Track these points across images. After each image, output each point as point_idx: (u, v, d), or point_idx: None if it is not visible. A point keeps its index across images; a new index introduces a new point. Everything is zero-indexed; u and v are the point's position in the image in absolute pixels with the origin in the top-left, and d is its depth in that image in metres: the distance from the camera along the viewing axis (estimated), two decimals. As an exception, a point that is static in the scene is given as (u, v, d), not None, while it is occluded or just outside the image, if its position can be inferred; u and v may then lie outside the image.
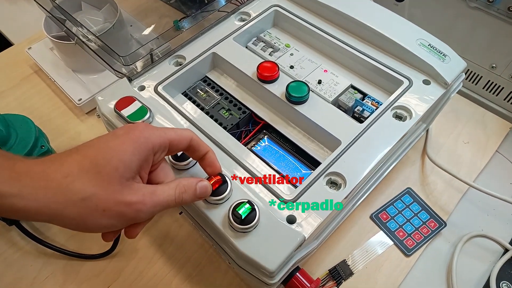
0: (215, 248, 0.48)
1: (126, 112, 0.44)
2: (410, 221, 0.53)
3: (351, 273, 0.49)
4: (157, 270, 0.50)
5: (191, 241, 0.53)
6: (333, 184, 0.42)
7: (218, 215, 0.38)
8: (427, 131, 0.60)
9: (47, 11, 0.63)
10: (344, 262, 0.50)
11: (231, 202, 0.38)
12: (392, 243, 0.51)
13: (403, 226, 0.53)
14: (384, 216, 0.54)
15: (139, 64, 0.54)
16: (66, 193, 0.27)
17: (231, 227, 0.37)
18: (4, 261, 0.51)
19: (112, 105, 0.46)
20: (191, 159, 0.40)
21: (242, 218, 0.35)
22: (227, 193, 0.38)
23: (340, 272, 0.49)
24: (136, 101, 0.45)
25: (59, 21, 0.62)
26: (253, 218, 0.36)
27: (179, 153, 0.39)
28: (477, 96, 0.66)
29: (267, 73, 0.50)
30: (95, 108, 0.65)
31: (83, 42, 0.57)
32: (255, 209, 0.36)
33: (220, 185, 0.37)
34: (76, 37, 0.60)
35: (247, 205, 0.36)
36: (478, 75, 0.64)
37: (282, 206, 0.40)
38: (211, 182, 0.36)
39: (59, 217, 0.27)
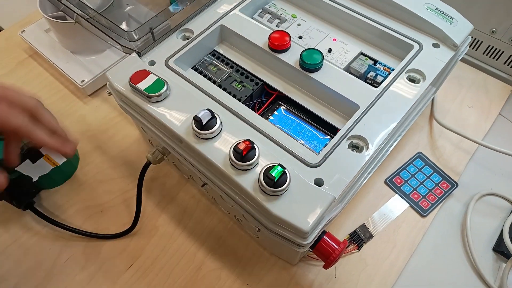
0: (237, 219, 0.48)
1: (143, 85, 0.43)
2: (423, 183, 0.54)
3: (371, 236, 0.50)
4: (179, 245, 0.50)
5: (210, 216, 0.53)
6: (354, 147, 0.43)
7: (248, 180, 0.38)
8: (433, 97, 0.61)
9: (42, -9, 0.61)
10: (363, 225, 0.51)
11: (259, 168, 0.38)
12: (407, 205, 0.53)
13: (417, 189, 0.54)
14: (398, 180, 0.55)
15: (145, 40, 0.53)
16: None
17: (262, 191, 0.37)
18: (21, 246, 0.51)
19: (125, 80, 0.45)
20: (215, 129, 0.40)
21: (275, 180, 0.35)
22: (256, 158, 0.38)
23: (360, 236, 0.50)
24: (151, 74, 0.44)
25: (56, 0, 0.60)
26: (284, 181, 0.36)
27: (203, 121, 0.39)
28: (478, 62, 0.67)
29: (279, 42, 0.49)
30: (98, 89, 0.64)
31: (85, 20, 0.56)
32: (286, 172, 0.36)
33: (249, 151, 0.37)
34: (76, 15, 0.58)
35: (279, 168, 0.36)
36: (479, 40, 0.65)
37: (307, 170, 0.40)
38: (242, 148, 0.36)
39: None
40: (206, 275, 0.48)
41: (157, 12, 0.69)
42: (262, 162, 0.39)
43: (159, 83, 0.43)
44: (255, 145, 0.38)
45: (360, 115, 0.44)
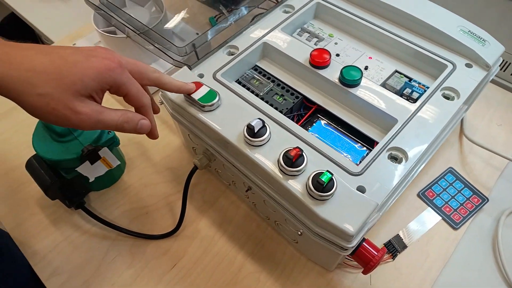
0: (277, 224, 0.51)
1: (196, 95, 0.47)
2: (455, 197, 0.56)
3: (405, 246, 0.52)
4: (220, 247, 0.53)
5: (248, 221, 0.55)
6: (393, 158, 0.45)
7: (296, 185, 0.40)
8: (463, 116, 0.63)
9: (96, 7, 0.66)
10: (397, 236, 0.53)
11: (307, 173, 0.41)
12: (440, 218, 0.55)
13: (448, 202, 0.56)
14: (431, 194, 0.57)
15: (193, 55, 0.57)
16: (25, 86, 0.32)
17: (310, 195, 0.40)
18: (71, 244, 0.54)
19: (178, 91, 0.49)
20: (265, 136, 0.43)
21: (324, 185, 0.38)
22: (304, 165, 0.40)
23: (395, 245, 0.52)
24: (204, 86, 0.48)
25: (109, 16, 0.65)
26: (332, 186, 0.39)
27: (255, 130, 0.42)
28: (505, 83, 0.70)
29: (320, 59, 0.53)
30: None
31: (138, 35, 0.60)
32: (333, 179, 0.39)
33: (298, 157, 0.40)
34: (127, 31, 0.63)
35: (328, 174, 0.38)
36: (507, 62, 0.68)
37: (350, 178, 0.43)
38: (293, 154, 0.39)
39: (18, 103, 0.33)
40: (246, 277, 0.50)
41: (197, 29, 0.74)
42: (309, 168, 0.41)
43: (212, 94, 0.47)
44: (303, 153, 0.41)
45: (399, 129, 0.46)
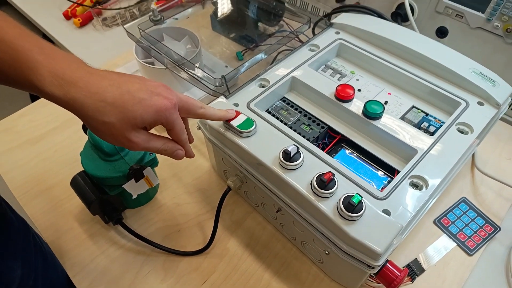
0: (303, 244, 0.54)
1: (235, 123, 0.52)
2: (468, 225, 0.60)
3: (423, 270, 0.55)
4: (248, 265, 0.56)
5: (274, 242, 0.59)
6: (414, 185, 0.49)
7: (328, 206, 0.44)
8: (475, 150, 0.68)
9: (138, 40, 0.73)
10: (416, 260, 0.56)
11: (337, 195, 0.45)
12: (455, 244, 0.58)
13: (462, 230, 0.59)
14: (446, 221, 0.60)
15: (228, 86, 0.63)
16: (95, 113, 0.37)
17: (341, 216, 0.44)
18: (108, 257, 0.57)
19: (217, 118, 0.54)
20: (299, 161, 0.47)
21: (355, 207, 0.42)
22: (335, 188, 0.45)
23: (413, 269, 0.55)
24: (242, 114, 0.53)
25: (150, 48, 0.71)
26: (361, 207, 0.43)
27: (291, 154, 0.47)
28: (513, 120, 0.75)
29: (345, 93, 0.58)
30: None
31: (178, 66, 0.66)
32: (362, 201, 0.43)
33: (330, 181, 0.44)
34: (166, 62, 0.69)
35: (358, 196, 0.43)
36: (514, 101, 0.73)
37: (375, 202, 0.47)
38: (326, 178, 0.43)
39: (84, 121, 0.39)
40: (273, 295, 0.53)
41: (226, 62, 0.80)
42: (338, 191, 0.46)
43: (249, 121, 0.52)
44: (335, 177, 0.45)
45: (419, 158, 0.51)
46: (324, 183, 0.44)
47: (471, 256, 0.57)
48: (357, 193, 0.43)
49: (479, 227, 0.60)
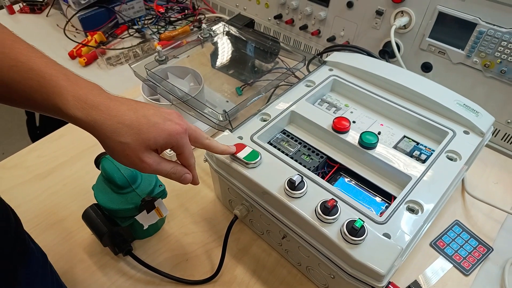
0: (308, 269, 0.57)
1: (241, 155, 0.56)
2: (463, 247, 0.63)
3: (423, 291, 0.58)
4: (256, 292, 0.58)
5: (280, 267, 0.61)
6: (410, 210, 0.53)
7: (332, 231, 0.48)
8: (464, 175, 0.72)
9: (144, 79, 0.77)
10: (416, 282, 0.59)
11: (340, 221, 0.48)
12: (451, 265, 0.61)
13: (458, 251, 0.63)
14: (441, 243, 0.64)
15: (231, 121, 0.67)
16: (113, 133, 0.41)
17: (345, 240, 0.47)
18: (118, 288, 0.59)
19: (223, 150, 0.58)
20: (303, 190, 0.51)
21: (358, 231, 0.45)
22: (338, 214, 0.48)
23: (414, 290, 0.58)
24: (247, 147, 0.57)
25: (155, 86, 0.76)
26: (363, 232, 0.46)
27: (296, 183, 0.50)
28: (497, 146, 0.80)
29: (342, 126, 0.62)
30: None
31: (183, 102, 0.71)
32: (364, 225, 0.47)
33: (333, 207, 0.48)
34: (172, 98, 0.73)
35: (360, 221, 0.46)
36: (497, 129, 0.79)
37: (375, 226, 0.50)
38: (330, 204, 0.47)
39: (101, 142, 0.42)
40: (281, 320, 0.55)
41: (226, 97, 0.85)
42: (341, 217, 0.49)
43: (255, 153, 0.56)
44: (338, 204, 0.49)
45: (413, 185, 0.55)
46: (328, 209, 0.47)
47: (467, 276, 0.60)
48: (359, 218, 0.47)
49: (473, 248, 0.63)
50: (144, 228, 0.58)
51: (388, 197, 0.59)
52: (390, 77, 0.70)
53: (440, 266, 0.61)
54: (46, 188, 0.72)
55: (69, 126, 0.84)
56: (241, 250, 0.63)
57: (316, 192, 0.53)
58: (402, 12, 0.82)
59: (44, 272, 0.48)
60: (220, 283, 0.59)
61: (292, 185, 0.51)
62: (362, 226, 0.46)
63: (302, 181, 0.51)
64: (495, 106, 0.77)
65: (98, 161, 0.60)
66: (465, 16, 0.74)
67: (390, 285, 0.50)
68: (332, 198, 0.49)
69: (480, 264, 0.61)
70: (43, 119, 1.49)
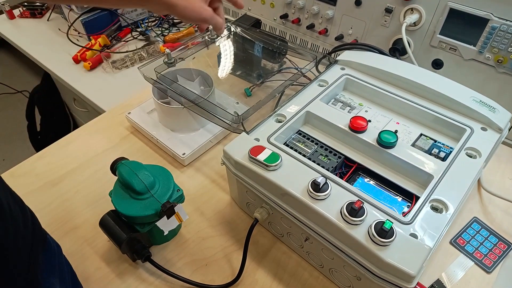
0: (331, 272, 0.56)
1: (261, 157, 0.55)
2: (483, 244, 0.63)
3: (447, 290, 0.58)
4: (278, 295, 0.57)
5: (301, 270, 0.60)
6: (434, 209, 0.53)
7: (360, 233, 0.47)
8: (478, 170, 0.72)
9: (154, 82, 0.76)
10: (438, 280, 0.58)
11: (367, 222, 0.47)
12: (473, 263, 0.61)
13: (478, 249, 0.62)
14: (461, 241, 0.63)
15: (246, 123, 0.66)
16: None
17: (373, 241, 0.46)
18: (139, 295, 0.58)
19: (241, 153, 0.57)
20: (327, 191, 0.50)
21: (388, 232, 0.45)
22: (365, 215, 0.47)
23: (437, 289, 0.57)
24: (267, 149, 0.56)
25: (166, 89, 0.75)
26: (392, 233, 0.46)
27: (320, 185, 0.49)
28: (511, 142, 0.80)
29: (359, 125, 0.62)
30: (192, 161, 0.76)
31: (196, 105, 0.70)
32: (393, 226, 0.46)
33: (360, 209, 0.47)
34: (184, 101, 0.72)
35: (390, 222, 0.45)
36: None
37: (402, 226, 0.49)
38: (358, 206, 0.46)
39: (171, 7, 0.50)
40: (305, 323, 0.55)
41: (235, 99, 0.84)
42: (368, 218, 0.48)
43: (275, 156, 0.55)
44: (364, 205, 0.48)
45: (436, 183, 0.54)
46: (356, 211, 0.47)
47: (489, 273, 0.60)
48: (387, 219, 0.46)
49: (493, 245, 0.63)
50: (164, 234, 0.57)
51: (409, 196, 0.58)
52: (404, 74, 0.69)
53: (461, 264, 0.61)
54: (58, 195, 0.71)
55: (75, 133, 0.83)
56: (260, 253, 0.63)
57: (339, 193, 0.52)
58: (412, 9, 0.82)
59: (60, 262, 0.48)
60: (242, 287, 0.58)
61: (317, 186, 0.50)
62: (391, 228, 0.46)
63: (326, 182, 0.51)
64: (509, 101, 0.77)
65: (114, 167, 0.59)
66: (477, 12, 0.74)
67: (417, 285, 0.49)
68: (359, 199, 0.48)
69: (501, 261, 0.61)
70: (44, 125, 1.47)
